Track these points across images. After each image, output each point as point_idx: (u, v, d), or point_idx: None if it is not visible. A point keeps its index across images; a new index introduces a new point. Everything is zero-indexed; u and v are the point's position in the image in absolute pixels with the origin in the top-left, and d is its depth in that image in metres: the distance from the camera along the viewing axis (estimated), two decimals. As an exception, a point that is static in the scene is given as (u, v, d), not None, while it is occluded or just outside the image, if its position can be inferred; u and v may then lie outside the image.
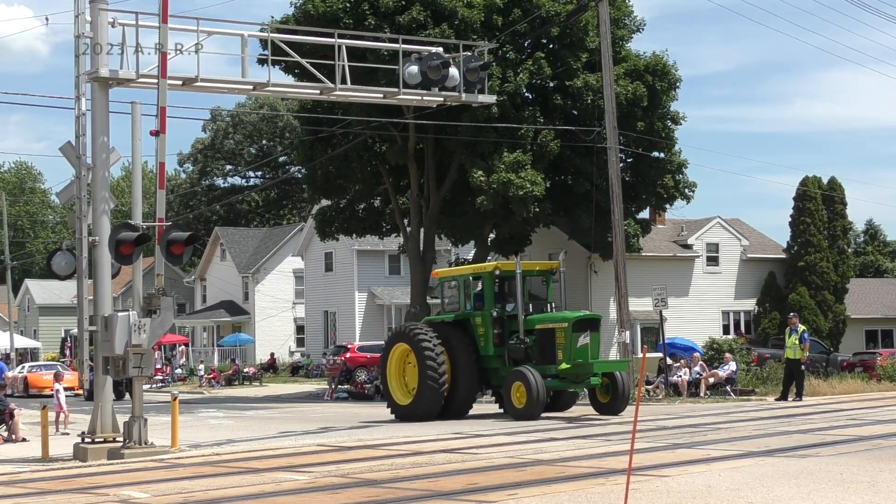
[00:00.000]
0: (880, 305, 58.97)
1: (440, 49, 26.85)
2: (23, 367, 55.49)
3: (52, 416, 26.43)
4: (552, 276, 28.53)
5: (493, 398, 30.60)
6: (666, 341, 37.14)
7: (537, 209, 39.16)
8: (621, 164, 38.16)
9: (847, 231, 57.78)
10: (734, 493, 13.53)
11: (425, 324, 28.54)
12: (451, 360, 27.21)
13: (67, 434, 27.20)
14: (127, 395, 41.95)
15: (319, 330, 64.99)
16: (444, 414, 27.23)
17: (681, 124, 42.91)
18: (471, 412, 28.50)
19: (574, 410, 28.70)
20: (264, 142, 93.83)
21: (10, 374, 53.56)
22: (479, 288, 28.26)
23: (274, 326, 69.68)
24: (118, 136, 24.20)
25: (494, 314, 27.49)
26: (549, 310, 28.00)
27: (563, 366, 26.32)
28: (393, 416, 28.39)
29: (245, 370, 59.57)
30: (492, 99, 30.45)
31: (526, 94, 41.20)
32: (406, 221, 45.00)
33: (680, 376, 36.31)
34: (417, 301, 44.05)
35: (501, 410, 28.45)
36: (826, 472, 15.20)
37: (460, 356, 27.32)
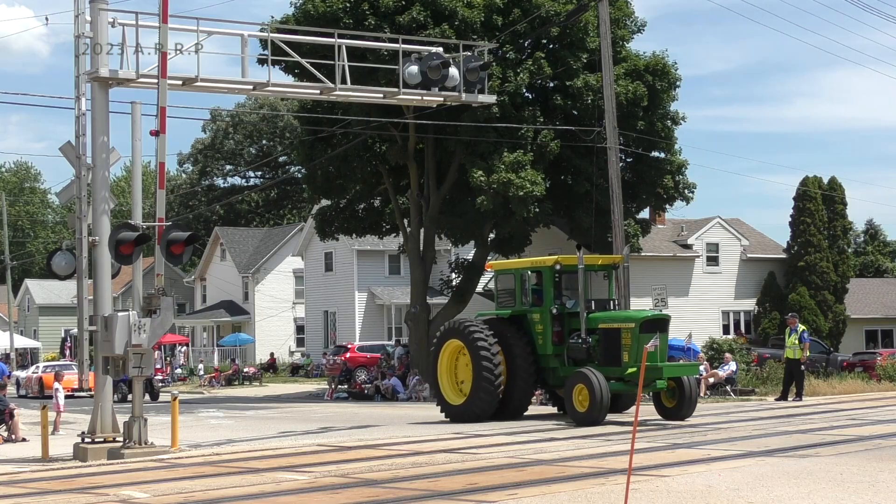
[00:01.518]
0: (880, 305, 58.98)
1: (440, 49, 26.84)
2: (37, 368, 54.38)
3: (51, 415, 26.44)
4: (615, 272, 26.95)
5: (548, 398, 29.48)
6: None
7: (537, 209, 39.16)
8: (621, 164, 38.15)
9: (847, 231, 57.81)
10: (734, 493, 13.53)
11: (479, 320, 27.02)
12: (506, 359, 25.84)
13: (62, 434, 27.20)
14: (146, 396, 42.34)
15: (319, 330, 64.99)
16: (500, 414, 25.92)
17: (681, 124, 42.94)
18: (526, 413, 27.04)
19: (630, 414, 26.80)
20: (264, 142, 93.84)
21: (24, 374, 53.28)
22: (536, 282, 26.56)
23: (274, 326, 69.68)
24: (118, 136, 24.27)
25: (554, 311, 25.89)
26: (611, 307, 26.47)
27: (631, 369, 24.44)
28: (444, 416, 27.04)
29: (245, 370, 59.59)
30: (492, 99, 30.43)
31: (526, 94, 41.20)
32: (406, 221, 45.00)
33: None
34: (417, 301, 44.06)
35: (556, 410, 27.72)
36: (826, 472, 15.20)
37: (516, 354, 25.91)
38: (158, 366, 54.83)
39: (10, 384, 53.32)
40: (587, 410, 23.93)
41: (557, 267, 25.82)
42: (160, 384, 48.16)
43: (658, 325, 24.96)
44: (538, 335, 26.09)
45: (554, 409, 28.38)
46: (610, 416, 24.99)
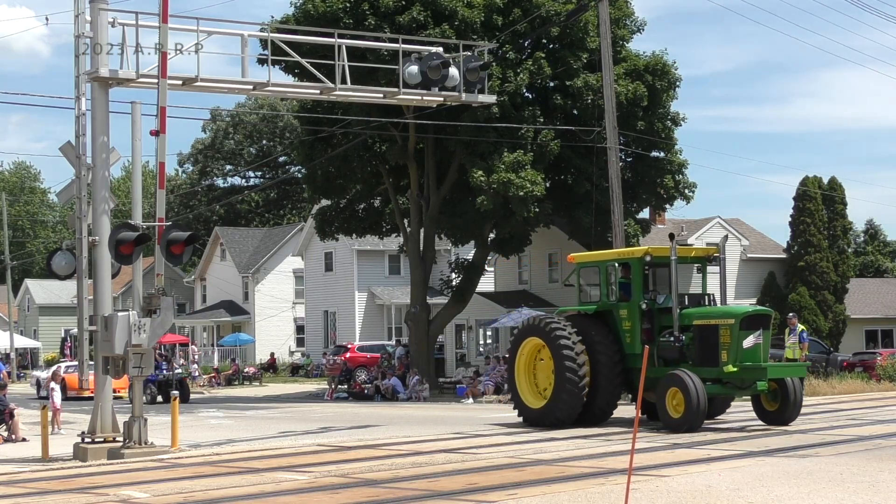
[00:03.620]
0: (880, 305, 58.96)
1: (440, 49, 26.85)
2: (58, 368, 53.28)
3: (49, 415, 26.43)
4: (709, 264, 25.00)
5: (633, 401, 26.99)
6: None
7: (537, 209, 39.16)
8: (621, 164, 38.14)
9: (847, 231, 57.78)
10: (734, 493, 13.53)
11: (560, 316, 24.95)
12: (591, 358, 23.81)
13: (62, 434, 27.18)
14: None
15: (319, 330, 64.99)
16: (583, 419, 23.83)
17: (681, 124, 42.89)
18: (611, 417, 24.88)
19: (725, 419, 24.94)
20: (264, 142, 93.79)
21: (45, 374, 52.56)
22: (623, 275, 24.50)
23: (274, 326, 69.65)
24: (118, 136, 24.25)
25: (643, 306, 23.85)
26: (706, 303, 24.42)
27: (729, 368, 22.55)
28: (521, 420, 25.11)
29: (245, 370, 59.58)
30: (492, 99, 30.43)
31: (526, 94, 41.19)
32: (406, 221, 45.00)
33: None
34: (417, 301, 44.06)
35: (643, 416, 24.83)
36: (826, 472, 15.20)
37: (602, 354, 23.88)
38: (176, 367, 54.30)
39: (31, 385, 52.87)
40: (682, 416, 22.05)
41: (647, 258, 24.03)
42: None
43: (760, 321, 23.10)
44: (625, 333, 24.12)
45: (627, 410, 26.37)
46: (705, 423, 23.01)
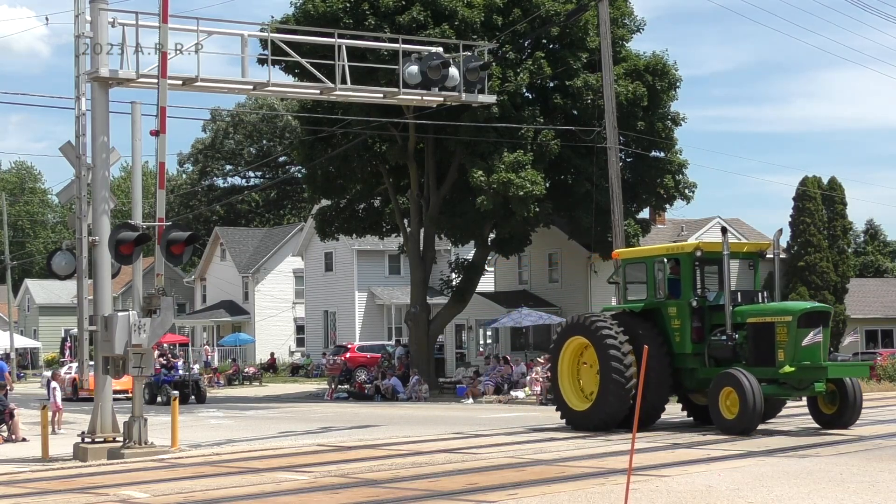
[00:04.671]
0: (880, 305, 58.97)
1: (440, 49, 26.85)
2: (70, 369, 51.95)
3: (50, 415, 26.44)
4: (761, 260, 24.09)
5: (680, 403, 25.07)
6: None
7: (537, 209, 39.17)
8: (621, 164, 38.15)
9: (847, 231, 57.80)
10: (734, 493, 13.53)
11: (606, 314, 23.93)
12: (637, 359, 22.49)
13: (62, 433, 27.18)
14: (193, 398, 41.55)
15: (319, 330, 64.99)
16: (630, 421, 21.80)
17: (681, 124, 42.91)
18: (658, 420, 23.53)
19: (777, 422, 23.59)
20: (264, 142, 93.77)
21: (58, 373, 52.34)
22: (671, 272, 23.39)
23: (274, 326, 69.66)
24: (118, 136, 24.24)
25: (693, 303, 22.76)
26: (759, 300, 23.25)
27: (787, 368, 21.44)
28: (564, 423, 23.95)
29: (245, 370, 59.57)
30: (492, 99, 30.44)
31: (526, 94, 41.20)
32: (406, 221, 45.01)
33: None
34: (417, 301, 44.07)
35: (687, 417, 24.45)
36: (826, 472, 15.20)
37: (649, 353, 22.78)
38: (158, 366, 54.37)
39: (41, 385, 52.58)
40: (737, 417, 20.98)
41: (698, 254, 22.92)
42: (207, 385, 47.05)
43: (819, 318, 22.06)
44: (674, 332, 22.97)
45: (687, 417, 24.79)
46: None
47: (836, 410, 22.09)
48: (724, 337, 22.43)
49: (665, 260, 23.30)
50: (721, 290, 22.84)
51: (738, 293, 23.15)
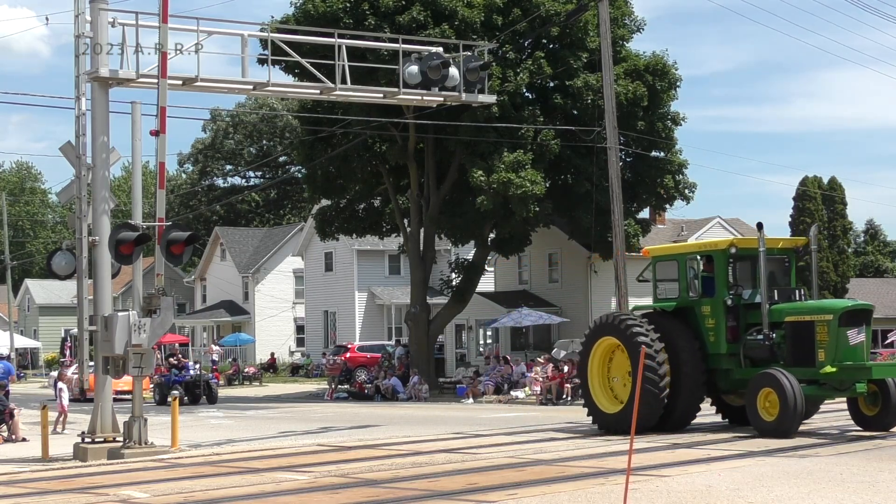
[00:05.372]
0: (880, 305, 58.86)
1: (440, 49, 26.85)
2: (64, 369, 51.18)
3: (52, 415, 26.41)
4: (797, 256, 23.30)
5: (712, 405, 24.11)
6: None
7: (537, 209, 39.17)
8: (621, 164, 38.14)
9: (847, 231, 57.86)
10: (734, 493, 13.53)
11: (637, 313, 23.25)
12: (670, 359, 21.86)
13: (66, 434, 27.17)
14: (203, 399, 40.97)
15: (319, 330, 64.99)
16: (663, 425, 21.84)
17: (681, 124, 42.92)
18: (692, 423, 22.79)
19: (817, 424, 23.02)
20: (264, 142, 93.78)
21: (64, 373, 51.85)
22: (705, 269, 22.65)
23: (274, 326, 69.66)
24: (118, 136, 24.22)
25: (728, 302, 21.96)
26: (796, 297, 22.42)
27: (828, 369, 20.62)
28: (596, 427, 22.98)
29: (245, 370, 59.54)
30: (492, 99, 30.43)
31: (526, 94, 41.21)
32: (406, 221, 45.01)
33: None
34: (417, 301, 44.07)
35: (721, 419, 23.71)
36: (826, 472, 15.21)
37: (683, 354, 21.91)
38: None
39: (48, 385, 52.32)
40: (777, 419, 20.23)
41: (732, 250, 22.13)
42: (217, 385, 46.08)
43: (861, 316, 21.42)
44: (708, 331, 22.20)
45: (721, 419, 23.99)
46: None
47: (879, 412, 21.26)
48: (760, 336, 21.65)
49: (699, 257, 22.65)
50: (756, 288, 22.07)
51: (775, 291, 22.31)
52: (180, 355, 51.55)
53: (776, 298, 22.05)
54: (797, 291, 22.69)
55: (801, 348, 21.15)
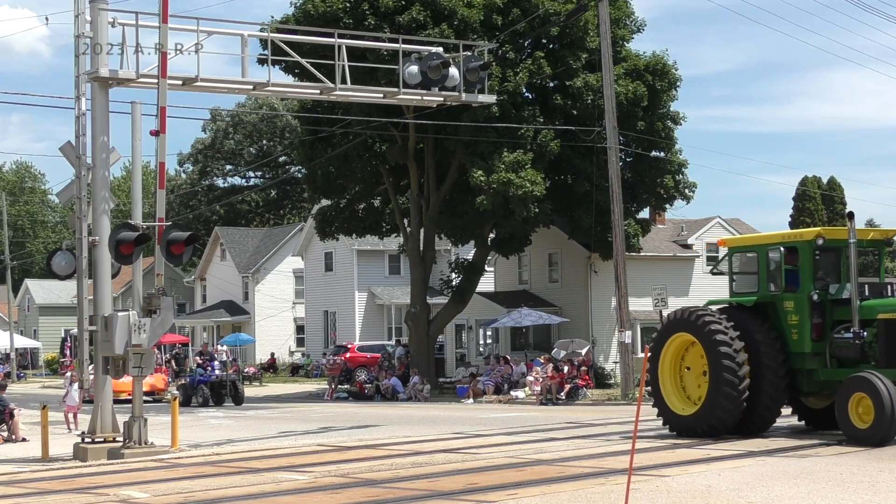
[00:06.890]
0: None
1: (440, 49, 26.85)
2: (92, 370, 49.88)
3: (58, 416, 26.40)
4: (887, 249, 21.94)
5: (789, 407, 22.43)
6: None
7: (537, 209, 39.16)
8: (621, 164, 38.16)
9: (847, 231, 57.80)
10: (734, 493, 13.53)
11: (713, 308, 21.48)
12: (750, 358, 20.37)
13: (76, 433, 27.15)
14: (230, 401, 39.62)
15: (319, 330, 64.98)
16: (742, 428, 20.55)
17: (681, 124, 42.95)
18: (773, 426, 21.41)
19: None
20: (264, 142, 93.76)
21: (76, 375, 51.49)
22: (788, 262, 21.10)
23: (274, 326, 69.64)
24: (118, 136, 24.26)
25: (814, 297, 20.41)
26: (888, 293, 20.97)
27: None
28: (668, 430, 21.53)
29: (245, 370, 59.51)
30: (492, 99, 30.44)
31: (526, 94, 41.21)
32: (406, 221, 45.02)
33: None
34: (417, 301, 44.07)
35: (798, 422, 22.33)
36: (826, 472, 15.21)
37: (764, 352, 20.39)
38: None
39: (65, 384, 52.19)
40: (872, 426, 18.70)
41: (819, 242, 20.45)
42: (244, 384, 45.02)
43: None
44: (791, 328, 20.64)
45: (794, 420, 22.70)
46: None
47: None
48: (850, 335, 20.07)
49: (782, 249, 21.09)
50: (842, 282, 20.73)
51: (865, 286, 20.93)
52: (209, 348, 50.28)
53: (867, 294, 20.66)
54: (889, 286, 21.34)
55: None
